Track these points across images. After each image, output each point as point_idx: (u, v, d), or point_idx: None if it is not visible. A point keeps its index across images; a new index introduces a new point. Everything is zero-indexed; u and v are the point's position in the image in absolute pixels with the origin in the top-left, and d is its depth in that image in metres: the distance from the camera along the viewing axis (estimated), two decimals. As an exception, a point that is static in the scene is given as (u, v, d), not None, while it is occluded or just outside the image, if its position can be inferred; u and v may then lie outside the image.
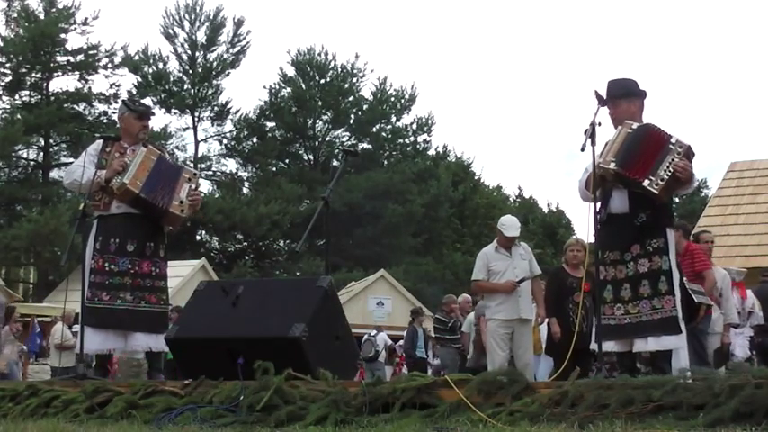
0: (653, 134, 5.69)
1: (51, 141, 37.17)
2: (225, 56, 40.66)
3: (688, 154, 5.62)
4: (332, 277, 5.95)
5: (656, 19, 77.36)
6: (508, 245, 8.50)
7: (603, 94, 5.90)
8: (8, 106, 36.03)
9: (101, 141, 6.80)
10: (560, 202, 47.35)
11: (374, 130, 42.74)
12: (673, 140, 5.63)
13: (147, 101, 37.88)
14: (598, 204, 5.73)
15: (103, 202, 6.55)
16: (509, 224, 8.54)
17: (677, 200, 48.85)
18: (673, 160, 5.55)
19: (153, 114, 7.06)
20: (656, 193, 5.55)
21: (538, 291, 8.62)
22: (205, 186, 41.15)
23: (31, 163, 37.47)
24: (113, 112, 37.22)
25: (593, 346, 5.85)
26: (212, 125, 41.68)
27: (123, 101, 7.10)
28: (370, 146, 42.52)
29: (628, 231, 5.74)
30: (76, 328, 13.39)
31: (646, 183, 5.55)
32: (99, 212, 6.59)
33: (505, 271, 8.37)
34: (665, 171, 5.55)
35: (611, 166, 5.61)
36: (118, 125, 6.94)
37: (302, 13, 66.72)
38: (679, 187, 5.77)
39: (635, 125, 5.74)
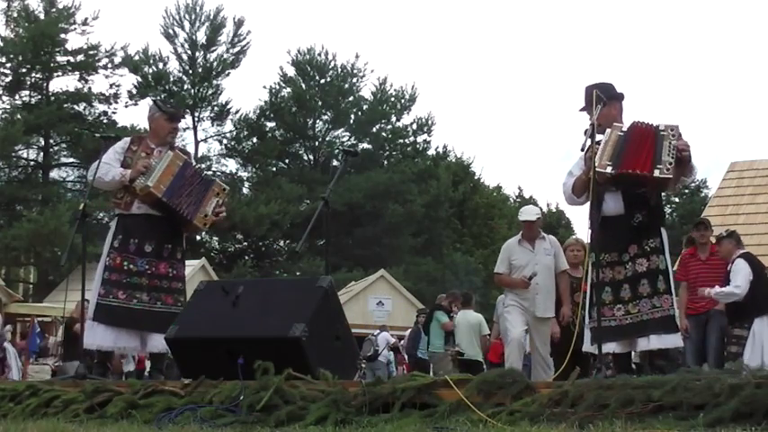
0: (641, 130, 5.74)
1: (51, 141, 37.13)
2: (225, 56, 40.63)
3: (678, 131, 5.68)
4: (332, 277, 5.95)
5: (655, 19, 77.39)
6: (530, 236, 8.21)
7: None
8: (8, 106, 36.03)
9: (128, 139, 6.81)
10: (560, 202, 47.34)
11: (374, 130, 42.72)
12: (661, 127, 5.70)
13: (148, 101, 37.94)
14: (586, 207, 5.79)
15: (125, 202, 6.55)
16: (525, 210, 8.36)
17: (677, 199, 48.83)
18: (671, 143, 5.60)
19: (183, 117, 7.08)
20: (670, 177, 5.56)
21: (563, 287, 8.21)
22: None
23: (31, 163, 37.43)
24: (113, 113, 37.28)
25: (589, 348, 5.85)
26: (212, 125, 41.69)
27: (154, 101, 7.07)
28: (370, 146, 42.49)
29: (624, 232, 5.77)
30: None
31: (656, 172, 5.56)
32: (120, 211, 6.61)
33: (526, 266, 8.09)
34: (669, 155, 5.59)
35: (608, 170, 5.62)
36: (147, 125, 6.90)
37: (302, 13, 66.81)
38: (683, 169, 5.73)
39: (624, 127, 5.79)
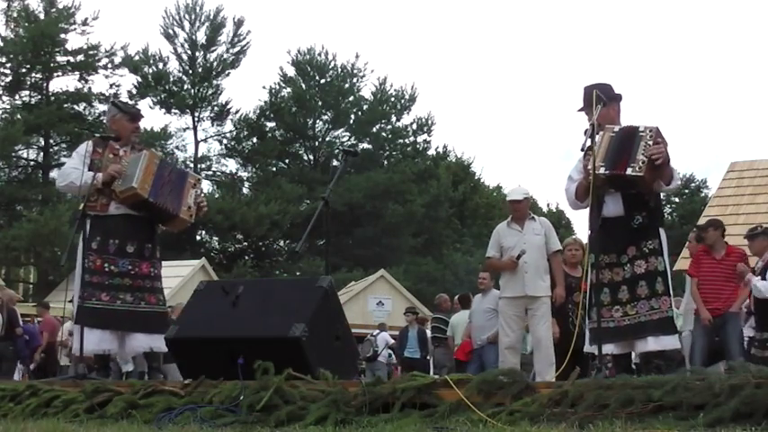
0: (626, 131, 5.78)
1: (51, 141, 37.16)
2: (225, 56, 40.65)
3: (658, 134, 5.68)
4: (332, 277, 5.95)
5: (655, 19, 77.40)
6: (519, 216, 8.12)
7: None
8: (8, 106, 36.05)
9: (90, 142, 6.79)
10: (560, 202, 47.35)
11: (374, 130, 42.72)
12: (641, 128, 5.72)
13: (148, 101, 37.99)
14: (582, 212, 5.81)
15: (100, 203, 6.51)
16: (512, 190, 8.28)
17: (677, 199, 48.84)
18: (646, 144, 5.62)
19: (143, 117, 7.09)
20: (642, 174, 5.58)
21: (556, 268, 8.07)
22: (205, 186, 41.14)
23: (31, 163, 37.46)
24: (113, 113, 37.18)
25: (589, 348, 5.86)
26: (212, 125, 41.70)
27: (113, 103, 7.12)
28: (370, 146, 42.49)
29: (624, 234, 5.80)
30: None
31: (629, 171, 5.60)
32: (95, 213, 6.54)
33: (515, 247, 7.99)
34: (643, 154, 5.61)
35: (602, 170, 5.65)
36: (107, 126, 6.95)
37: (302, 13, 66.81)
38: (662, 171, 5.72)
39: (616, 128, 5.82)
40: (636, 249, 5.78)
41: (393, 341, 18.03)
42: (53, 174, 37.47)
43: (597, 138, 5.75)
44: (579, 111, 6.01)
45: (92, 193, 6.51)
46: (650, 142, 5.61)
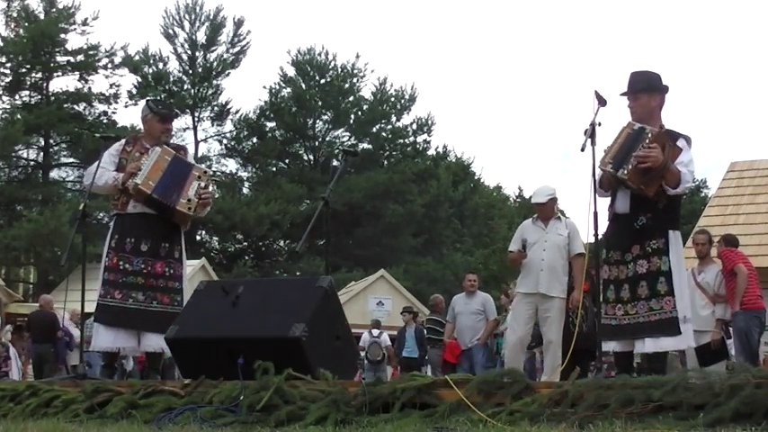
0: (641, 128, 5.65)
1: (51, 141, 37.10)
2: (225, 56, 40.60)
3: (659, 138, 5.54)
4: (332, 277, 5.95)
5: (655, 19, 77.40)
6: (542, 216, 8.09)
7: (625, 88, 5.88)
8: (8, 106, 35.99)
9: (123, 141, 6.87)
10: (559, 202, 47.34)
11: (374, 130, 42.69)
12: (647, 129, 5.60)
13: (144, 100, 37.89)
14: (600, 204, 5.74)
15: (121, 202, 6.59)
16: (536, 191, 8.25)
17: (677, 200, 48.79)
18: (642, 146, 5.51)
19: (177, 116, 7.10)
20: (626, 179, 5.49)
21: (577, 270, 7.85)
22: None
23: (31, 163, 37.41)
24: (113, 112, 37.21)
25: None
26: (212, 125, 41.64)
27: (147, 102, 7.06)
28: (370, 146, 42.47)
29: (629, 232, 5.74)
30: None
31: (619, 173, 5.53)
32: (117, 211, 6.63)
33: (535, 243, 7.95)
34: (634, 156, 5.51)
35: (609, 168, 5.61)
36: (141, 125, 6.99)
37: (302, 13, 66.80)
38: (653, 175, 5.54)
39: (637, 125, 5.69)
40: (639, 248, 5.70)
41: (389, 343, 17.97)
42: (53, 174, 37.54)
43: (617, 133, 5.70)
44: (621, 95, 5.87)
45: (116, 192, 6.56)
46: (645, 146, 5.50)
